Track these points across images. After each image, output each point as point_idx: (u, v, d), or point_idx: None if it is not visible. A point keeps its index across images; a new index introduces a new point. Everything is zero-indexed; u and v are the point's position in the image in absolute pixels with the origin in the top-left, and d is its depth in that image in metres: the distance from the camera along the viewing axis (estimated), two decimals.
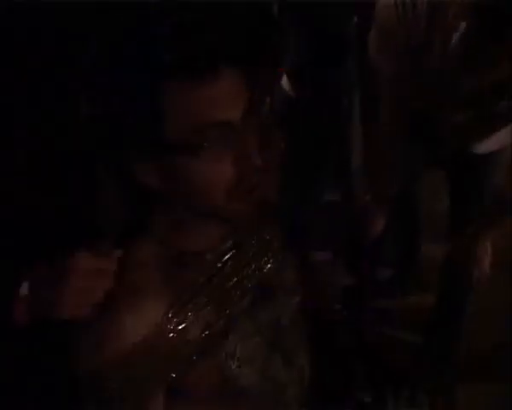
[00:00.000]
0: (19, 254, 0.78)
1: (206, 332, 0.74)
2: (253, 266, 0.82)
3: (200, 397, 0.75)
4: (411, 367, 1.93)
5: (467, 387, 1.85)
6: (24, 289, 0.74)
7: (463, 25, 1.20)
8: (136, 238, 0.75)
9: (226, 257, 0.79)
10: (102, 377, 0.69)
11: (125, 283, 0.72)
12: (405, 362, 1.95)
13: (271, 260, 0.85)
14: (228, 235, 0.79)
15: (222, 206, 0.68)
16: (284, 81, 1.91)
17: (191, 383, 0.74)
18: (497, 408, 1.81)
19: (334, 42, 1.98)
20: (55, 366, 0.80)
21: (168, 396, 0.73)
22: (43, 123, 0.80)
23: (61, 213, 0.83)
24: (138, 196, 0.73)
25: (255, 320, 0.80)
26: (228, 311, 0.76)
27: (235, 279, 0.79)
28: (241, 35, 0.63)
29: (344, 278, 2.30)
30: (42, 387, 0.86)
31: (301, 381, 0.88)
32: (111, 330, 0.69)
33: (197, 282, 0.75)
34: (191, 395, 0.75)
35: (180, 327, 0.72)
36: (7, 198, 0.80)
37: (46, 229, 0.81)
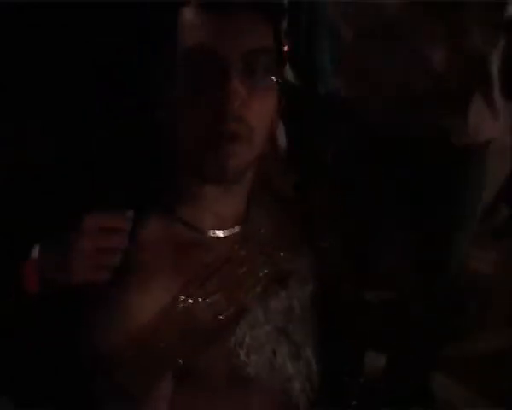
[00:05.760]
0: (29, 217, 0.75)
1: (216, 318, 0.73)
2: (266, 254, 0.81)
3: (208, 384, 0.74)
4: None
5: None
6: (34, 252, 0.70)
7: None
8: (146, 212, 0.74)
9: (238, 243, 0.78)
10: (109, 358, 0.67)
11: (135, 259, 0.70)
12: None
13: (285, 248, 0.84)
14: (239, 217, 0.79)
15: (197, 158, 0.70)
16: (288, 71, 1.93)
17: (199, 370, 0.73)
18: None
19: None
20: (63, 347, 0.76)
21: (176, 382, 0.72)
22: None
23: (75, 178, 0.79)
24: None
25: (266, 309, 0.79)
26: (239, 298, 0.75)
27: (248, 266, 0.78)
28: None
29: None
30: (48, 369, 0.81)
31: (309, 375, 0.86)
32: (118, 309, 0.68)
33: (208, 266, 0.74)
34: (199, 381, 0.74)
35: (189, 311, 0.71)
36: (22, 162, 0.78)
37: (58, 193, 0.78)
